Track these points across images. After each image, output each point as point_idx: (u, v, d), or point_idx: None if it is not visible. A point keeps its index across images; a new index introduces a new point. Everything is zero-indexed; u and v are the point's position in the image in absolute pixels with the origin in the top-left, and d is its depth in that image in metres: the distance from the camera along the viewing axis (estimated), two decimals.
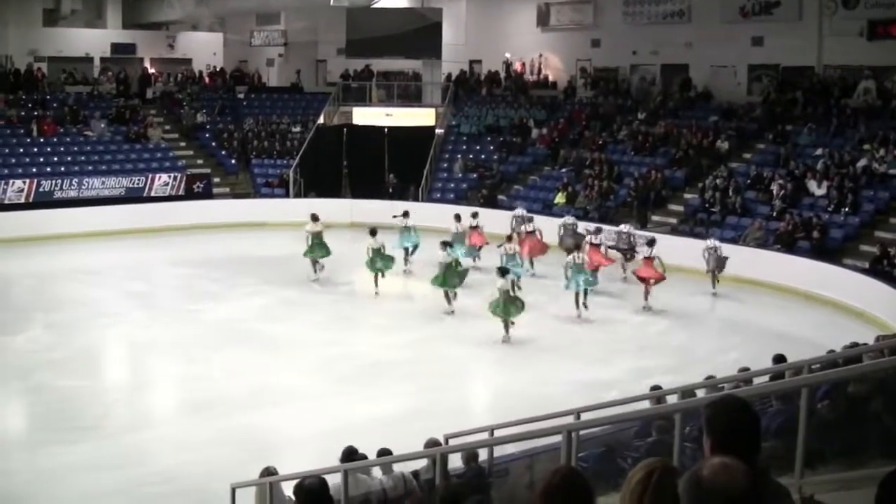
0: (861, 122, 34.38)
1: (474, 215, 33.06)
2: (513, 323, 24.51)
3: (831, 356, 12.72)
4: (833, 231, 30.46)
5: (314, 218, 30.80)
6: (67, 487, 15.71)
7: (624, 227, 32.22)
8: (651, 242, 28.35)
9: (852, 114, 35.12)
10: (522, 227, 32.20)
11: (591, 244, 29.46)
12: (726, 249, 29.40)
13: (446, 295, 27.21)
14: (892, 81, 35.68)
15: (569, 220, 32.91)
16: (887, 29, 35.28)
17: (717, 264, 29.01)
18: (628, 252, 31.24)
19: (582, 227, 32.48)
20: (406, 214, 32.20)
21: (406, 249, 31.80)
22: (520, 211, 33.94)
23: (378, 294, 29.14)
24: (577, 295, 26.66)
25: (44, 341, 24.07)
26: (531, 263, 31.34)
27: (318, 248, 30.58)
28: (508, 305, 24.27)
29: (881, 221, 30.62)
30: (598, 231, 30.85)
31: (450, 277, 27.27)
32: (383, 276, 29.32)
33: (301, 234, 30.93)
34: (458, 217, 32.66)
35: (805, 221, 30.69)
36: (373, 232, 29.47)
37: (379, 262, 29.18)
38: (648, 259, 27.91)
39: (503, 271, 25.21)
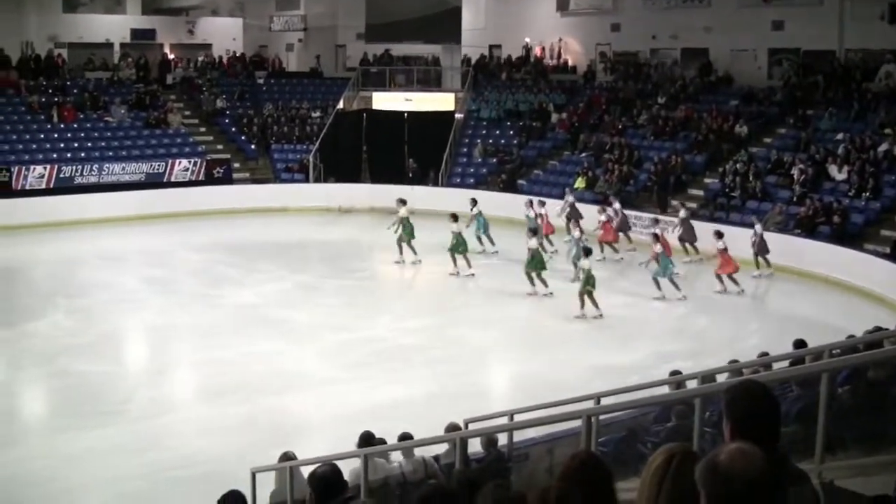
0: (882, 107, 34.17)
1: (542, 203, 33.10)
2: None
3: (851, 341, 12.72)
4: (854, 216, 30.31)
5: (403, 202, 30.97)
6: (89, 472, 15.79)
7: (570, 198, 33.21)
8: (720, 234, 27.99)
9: (873, 98, 34.94)
10: (602, 215, 32.14)
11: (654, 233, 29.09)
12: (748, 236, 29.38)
13: (538, 278, 27.03)
14: None
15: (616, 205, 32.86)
16: None
17: (758, 248, 29.01)
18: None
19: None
20: (474, 202, 32.07)
21: (479, 238, 31.79)
22: (570, 198, 33.85)
23: (457, 274, 29.25)
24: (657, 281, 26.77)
25: (65, 326, 24.19)
26: (601, 249, 31.33)
27: (406, 231, 30.66)
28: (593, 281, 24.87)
29: None
30: (656, 222, 30.97)
31: (540, 262, 27.18)
32: (464, 259, 29.45)
33: (325, 218, 30.85)
34: (537, 203, 32.89)
35: (826, 206, 30.56)
36: (454, 217, 29.59)
37: (460, 245, 29.34)
38: (723, 251, 27.64)
39: (588, 251, 25.94)
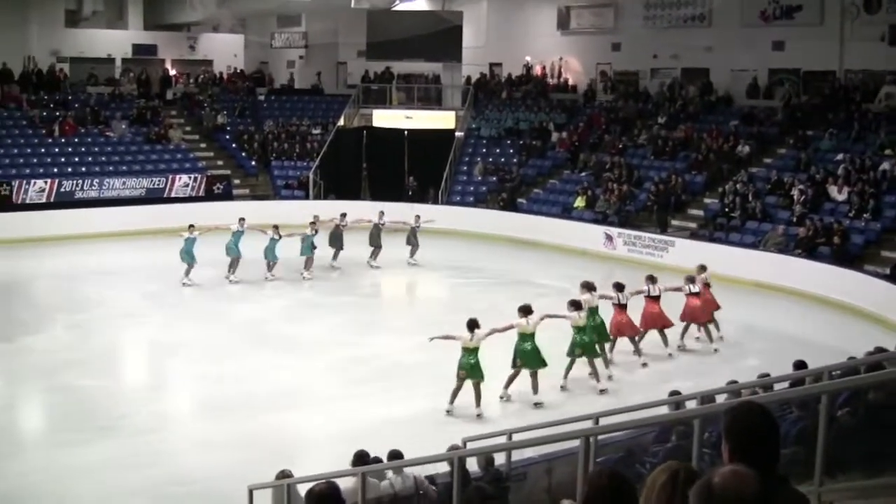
0: (882, 127, 34.16)
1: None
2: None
3: (852, 363, 12.69)
4: (854, 236, 30.28)
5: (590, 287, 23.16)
6: (86, 487, 15.73)
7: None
8: (652, 279, 23.66)
9: (874, 119, 34.95)
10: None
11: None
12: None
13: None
14: None
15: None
16: None
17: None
18: None
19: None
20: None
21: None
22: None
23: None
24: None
25: (65, 341, 24.16)
26: None
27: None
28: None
29: None
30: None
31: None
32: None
33: None
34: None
35: (826, 227, 30.53)
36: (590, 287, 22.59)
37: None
38: (654, 299, 23.41)
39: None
